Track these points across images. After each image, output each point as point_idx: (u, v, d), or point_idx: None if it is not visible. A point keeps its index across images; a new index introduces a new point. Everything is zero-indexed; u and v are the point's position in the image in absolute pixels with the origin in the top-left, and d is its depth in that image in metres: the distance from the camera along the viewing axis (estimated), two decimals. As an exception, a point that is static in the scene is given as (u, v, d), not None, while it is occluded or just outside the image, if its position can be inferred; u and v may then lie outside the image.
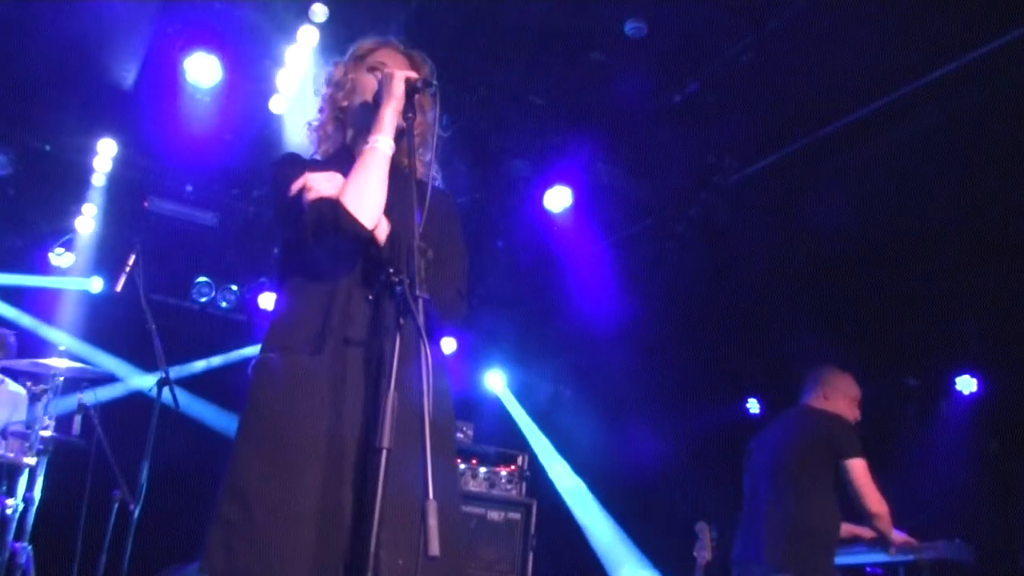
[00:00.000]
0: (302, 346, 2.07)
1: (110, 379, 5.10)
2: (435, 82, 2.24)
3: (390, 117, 2.16)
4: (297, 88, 5.44)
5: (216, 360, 7.69)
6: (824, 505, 4.11)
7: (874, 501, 4.10)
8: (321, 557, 1.91)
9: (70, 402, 4.88)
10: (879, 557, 5.55)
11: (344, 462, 1.97)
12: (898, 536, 4.41)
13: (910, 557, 5.59)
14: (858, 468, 4.09)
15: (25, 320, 6.79)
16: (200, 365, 7.56)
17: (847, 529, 4.42)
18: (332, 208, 2.04)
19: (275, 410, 2.03)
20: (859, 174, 5.84)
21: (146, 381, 6.30)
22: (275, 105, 5.70)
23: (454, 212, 2.39)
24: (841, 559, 5.80)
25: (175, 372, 5.21)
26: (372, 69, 2.32)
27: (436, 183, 2.42)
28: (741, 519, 4.35)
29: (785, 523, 4.11)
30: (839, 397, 4.38)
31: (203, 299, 7.70)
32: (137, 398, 6.39)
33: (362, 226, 2.04)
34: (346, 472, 1.97)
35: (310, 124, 2.42)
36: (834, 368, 4.48)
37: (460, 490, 2.33)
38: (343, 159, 2.22)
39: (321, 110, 2.40)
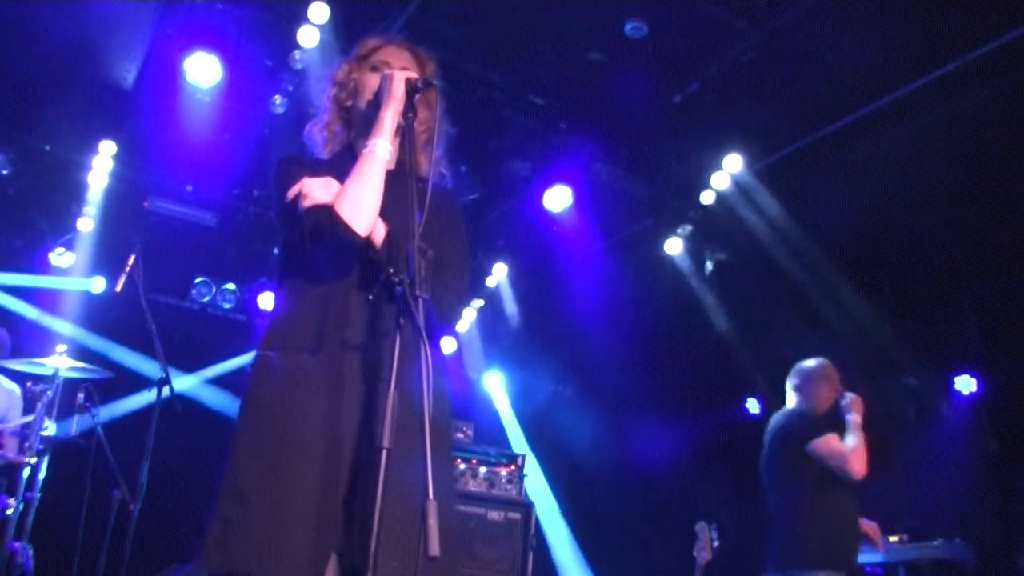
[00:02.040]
0: (301, 346, 2.08)
1: (110, 379, 5.09)
2: (435, 82, 2.24)
3: (390, 119, 2.16)
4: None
5: (217, 360, 7.68)
6: (803, 500, 4.11)
7: (856, 464, 4.05)
8: (317, 556, 1.92)
9: (70, 402, 4.88)
10: (878, 557, 5.56)
11: (342, 462, 1.98)
12: (867, 524, 4.32)
13: (907, 555, 5.60)
14: (822, 443, 4.10)
15: (30, 313, 6.79)
16: (200, 365, 7.56)
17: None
18: (327, 215, 2.05)
19: (274, 408, 2.04)
20: (859, 174, 5.85)
21: (146, 381, 6.29)
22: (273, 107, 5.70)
23: (457, 211, 2.39)
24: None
25: (175, 372, 5.20)
26: (375, 68, 2.32)
27: (445, 180, 2.43)
28: None
29: (773, 526, 4.21)
30: (810, 386, 4.39)
31: (203, 299, 7.70)
32: (137, 398, 6.40)
33: (355, 233, 2.05)
34: (344, 472, 1.98)
35: (314, 124, 2.43)
36: (803, 361, 4.49)
37: (455, 491, 2.32)
38: (346, 159, 2.23)
39: (326, 110, 2.41)
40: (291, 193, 2.12)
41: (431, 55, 2.42)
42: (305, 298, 2.14)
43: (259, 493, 1.95)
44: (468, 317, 8.34)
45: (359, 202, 2.07)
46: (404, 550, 1.86)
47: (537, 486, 8.09)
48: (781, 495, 4.23)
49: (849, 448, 4.09)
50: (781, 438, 4.26)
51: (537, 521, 5.81)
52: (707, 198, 6.53)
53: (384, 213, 2.13)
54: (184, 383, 6.98)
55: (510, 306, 8.26)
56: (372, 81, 2.29)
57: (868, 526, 4.34)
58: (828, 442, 4.10)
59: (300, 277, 2.18)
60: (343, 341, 2.06)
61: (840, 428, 4.24)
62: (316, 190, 2.09)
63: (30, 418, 4.59)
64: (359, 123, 2.33)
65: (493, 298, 8.27)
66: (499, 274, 8.00)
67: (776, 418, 4.43)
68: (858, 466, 4.05)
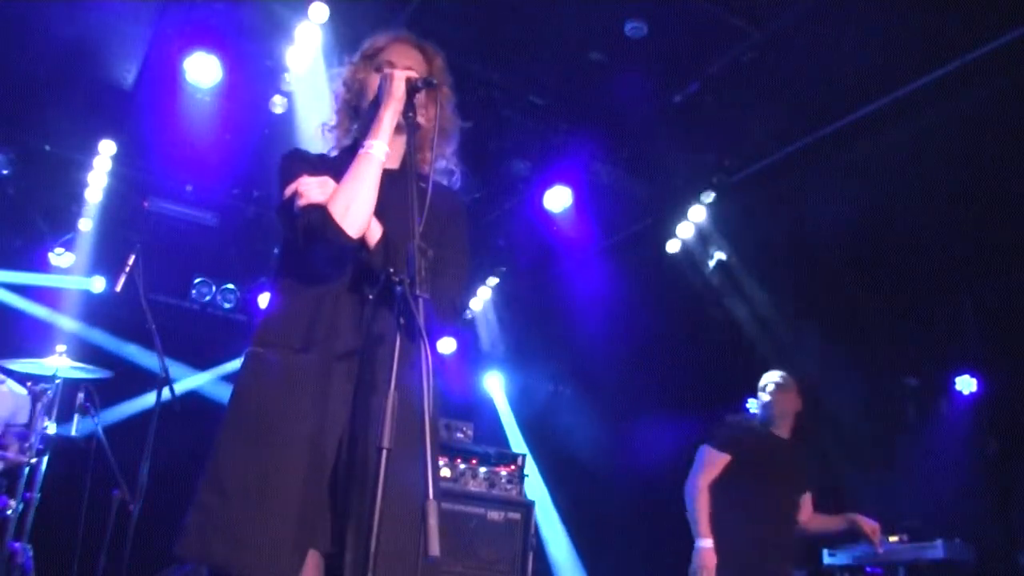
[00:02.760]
0: (291, 344, 2.08)
1: (110, 379, 5.10)
2: (435, 80, 2.24)
3: (388, 119, 2.17)
4: (308, 67, 5.43)
5: (217, 361, 7.68)
6: (722, 508, 4.20)
7: (688, 482, 4.26)
8: (295, 553, 1.92)
9: (70, 402, 4.88)
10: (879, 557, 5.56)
11: (325, 461, 1.99)
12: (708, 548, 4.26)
13: (907, 555, 5.60)
14: (705, 450, 4.39)
15: (30, 313, 6.78)
16: (200, 365, 7.56)
17: (821, 522, 4.44)
18: (320, 215, 2.05)
19: (261, 404, 2.04)
20: (859, 174, 5.84)
21: (146, 382, 6.30)
22: (273, 107, 5.70)
23: (458, 212, 2.39)
24: (838, 559, 5.83)
25: (175, 372, 5.20)
26: (379, 69, 2.33)
27: (455, 177, 2.44)
28: None
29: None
30: (760, 395, 4.60)
31: (203, 299, 7.71)
32: (137, 398, 6.40)
33: (346, 235, 2.05)
34: (327, 471, 1.99)
35: (325, 124, 2.44)
36: (771, 381, 4.67)
37: (440, 491, 2.33)
38: (351, 158, 2.24)
39: (336, 109, 2.42)
40: (288, 191, 2.13)
41: (437, 50, 2.42)
42: (298, 297, 2.15)
43: (240, 486, 1.95)
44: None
45: (351, 204, 2.07)
46: (402, 550, 1.86)
47: (537, 486, 8.09)
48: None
49: (703, 480, 4.21)
50: None
51: (536, 521, 5.81)
52: (684, 231, 6.68)
53: (384, 213, 2.13)
54: (184, 383, 6.98)
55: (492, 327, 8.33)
56: (376, 81, 2.29)
57: (868, 526, 4.34)
58: (708, 452, 4.33)
59: (295, 276, 2.18)
60: (333, 341, 2.06)
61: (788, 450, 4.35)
62: (311, 189, 2.09)
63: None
64: (363, 123, 2.33)
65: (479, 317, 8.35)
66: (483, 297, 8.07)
67: None
68: (690, 488, 4.21)
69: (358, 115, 2.37)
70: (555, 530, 8.39)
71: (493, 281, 8.08)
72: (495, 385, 9.09)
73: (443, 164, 2.42)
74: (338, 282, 2.12)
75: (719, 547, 4.10)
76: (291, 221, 2.11)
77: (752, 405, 8.15)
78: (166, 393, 4.58)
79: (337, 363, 2.05)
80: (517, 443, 8.64)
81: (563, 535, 8.36)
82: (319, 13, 5.08)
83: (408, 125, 2.16)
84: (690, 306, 7.55)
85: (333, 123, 2.41)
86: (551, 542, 8.31)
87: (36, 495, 4.58)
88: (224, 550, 1.91)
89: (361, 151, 2.14)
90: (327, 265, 2.13)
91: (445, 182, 2.44)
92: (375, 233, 2.12)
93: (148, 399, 4.68)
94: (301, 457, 1.97)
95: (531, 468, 7.89)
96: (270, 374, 2.07)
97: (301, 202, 2.08)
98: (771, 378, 4.56)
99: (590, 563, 8.23)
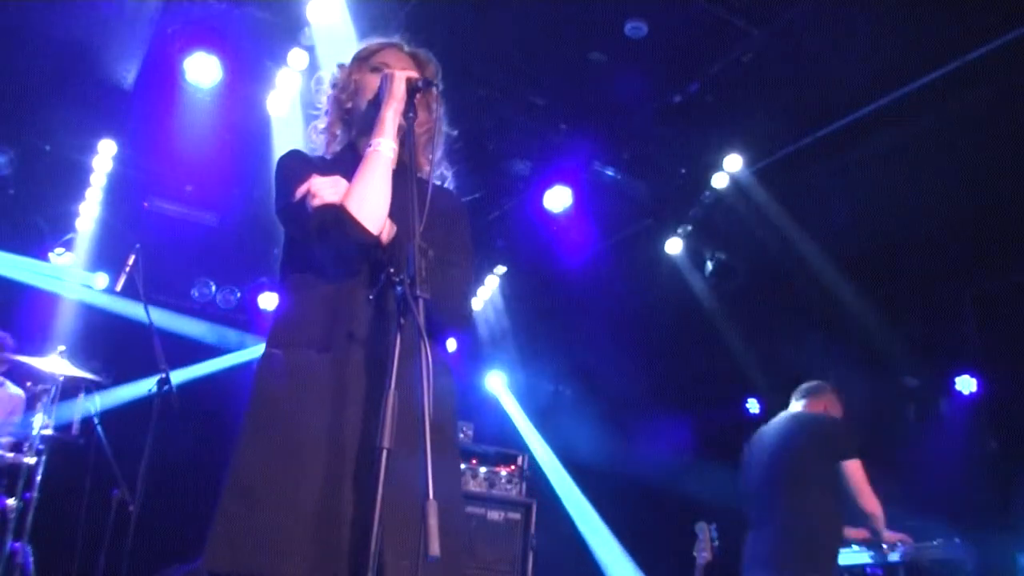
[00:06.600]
0: (308, 344, 2.07)
1: (109, 379, 5.10)
2: (436, 82, 2.25)
3: (391, 118, 2.16)
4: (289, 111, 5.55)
5: (216, 360, 7.68)
6: (827, 506, 4.14)
7: (872, 502, 4.20)
8: (324, 555, 1.90)
9: (70, 402, 4.88)
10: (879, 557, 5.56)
11: (348, 460, 1.97)
12: (892, 535, 4.45)
13: (901, 551, 5.60)
14: (855, 469, 4.17)
15: (31, 312, 6.78)
16: (200, 365, 7.55)
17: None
18: (336, 214, 2.04)
19: (280, 406, 2.03)
20: (859, 174, 5.84)
21: (146, 381, 6.30)
22: (272, 108, 5.72)
23: (460, 212, 2.38)
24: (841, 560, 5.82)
25: (175, 372, 5.20)
26: (375, 70, 2.33)
27: (447, 183, 2.43)
28: (750, 527, 4.36)
29: (790, 528, 4.17)
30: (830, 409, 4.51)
31: (203, 299, 7.71)
32: (137, 398, 6.40)
33: (367, 231, 2.04)
34: (349, 470, 1.96)
35: (315, 127, 2.42)
36: (828, 385, 4.58)
37: (461, 492, 2.30)
38: (348, 160, 2.23)
39: (327, 112, 2.41)
40: (299, 192, 2.10)
41: (430, 57, 2.41)
42: (311, 296, 2.13)
43: (265, 490, 1.93)
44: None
45: (368, 200, 2.06)
46: (414, 551, 1.86)
47: (536, 486, 8.09)
48: (806, 500, 4.23)
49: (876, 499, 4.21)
50: (821, 445, 4.27)
51: (537, 521, 5.82)
52: (720, 181, 6.36)
53: (388, 213, 2.13)
54: (184, 383, 6.98)
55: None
56: (372, 82, 2.29)
57: (858, 534, 4.42)
58: (858, 464, 4.19)
59: (304, 275, 2.17)
60: (351, 340, 2.05)
61: None
62: (325, 189, 2.08)
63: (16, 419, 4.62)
64: (360, 124, 2.33)
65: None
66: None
67: (802, 421, 4.42)
68: (875, 508, 4.21)
69: (350, 116, 2.36)
70: (558, 529, 8.38)
71: (494, 280, 8.07)
72: (497, 384, 9.09)
73: (438, 167, 2.42)
74: (350, 281, 2.11)
75: (823, 542, 4.14)
76: (303, 222, 2.09)
77: (752, 405, 8.17)
78: (166, 392, 4.57)
79: (353, 363, 2.03)
80: (519, 442, 8.64)
81: (566, 534, 8.35)
82: (318, 14, 5.09)
83: (408, 126, 2.16)
84: (690, 306, 7.55)
85: (323, 125, 2.40)
86: (554, 541, 8.31)
87: (36, 495, 4.58)
88: (252, 559, 1.88)
89: (369, 149, 2.14)
90: (336, 264, 2.11)
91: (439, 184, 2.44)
92: (389, 231, 2.11)
93: (148, 399, 4.68)
94: (324, 461, 1.95)
95: (533, 467, 7.91)
96: (287, 377, 2.05)
97: (315, 202, 2.07)
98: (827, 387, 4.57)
99: (591, 562, 8.22)
